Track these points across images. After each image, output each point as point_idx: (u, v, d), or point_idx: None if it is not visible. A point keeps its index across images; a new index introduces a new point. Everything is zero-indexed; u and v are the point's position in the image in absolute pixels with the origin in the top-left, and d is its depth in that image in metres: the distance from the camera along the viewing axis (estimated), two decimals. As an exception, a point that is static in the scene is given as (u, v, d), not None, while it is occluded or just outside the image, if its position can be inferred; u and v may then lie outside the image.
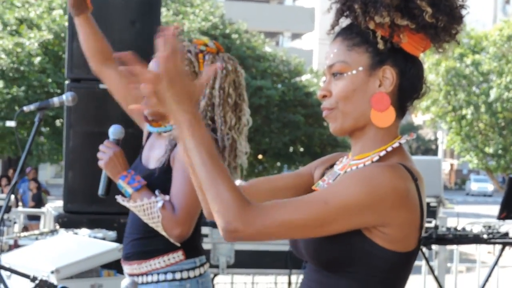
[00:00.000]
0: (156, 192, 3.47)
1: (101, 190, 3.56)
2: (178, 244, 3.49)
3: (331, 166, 2.32)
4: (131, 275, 3.61)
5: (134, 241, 3.64)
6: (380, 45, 2.13)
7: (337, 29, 2.23)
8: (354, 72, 2.15)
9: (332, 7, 2.23)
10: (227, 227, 1.97)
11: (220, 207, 1.98)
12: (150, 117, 3.65)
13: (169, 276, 3.53)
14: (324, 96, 2.19)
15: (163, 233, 3.45)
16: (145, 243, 3.59)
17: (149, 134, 3.80)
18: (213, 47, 3.63)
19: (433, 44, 2.20)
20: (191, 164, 2.09)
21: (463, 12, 2.18)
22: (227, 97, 3.58)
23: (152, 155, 3.66)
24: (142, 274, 3.58)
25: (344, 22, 2.21)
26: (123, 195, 3.53)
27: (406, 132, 2.28)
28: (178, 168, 3.43)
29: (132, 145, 6.07)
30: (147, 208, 3.45)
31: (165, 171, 3.54)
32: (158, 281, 3.54)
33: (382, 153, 2.15)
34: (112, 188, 3.58)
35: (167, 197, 3.44)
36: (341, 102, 2.16)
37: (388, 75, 2.15)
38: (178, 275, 3.53)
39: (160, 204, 3.42)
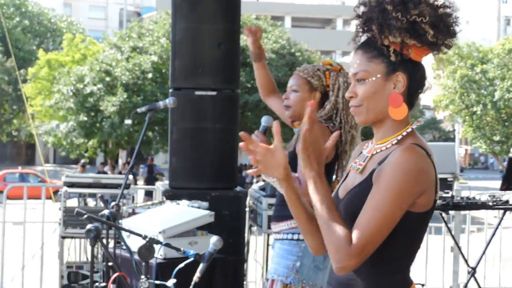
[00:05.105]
0: None
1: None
2: None
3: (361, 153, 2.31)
4: (274, 232, 3.76)
5: (275, 207, 3.79)
6: (393, 58, 2.14)
7: (357, 40, 2.23)
8: (373, 78, 2.16)
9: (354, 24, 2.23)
10: (338, 266, 2.02)
11: (332, 249, 2.03)
12: (291, 119, 3.74)
13: (290, 236, 3.61)
14: (351, 97, 2.21)
15: None
16: (279, 209, 3.70)
17: None
18: (336, 66, 3.73)
19: (432, 53, 2.20)
20: (302, 212, 2.18)
21: (457, 28, 2.18)
22: (348, 103, 3.59)
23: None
24: (276, 232, 3.71)
25: (363, 36, 2.22)
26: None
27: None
28: None
29: (219, 137, 6.11)
30: None
31: (293, 156, 3.56)
32: (283, 239, 3.64)
33: (399, 137, 2.15)
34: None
35: (296, 174, 3.46)
36: (365, 101, 2.17)
37: (400, 79, 2.15)
38: (296, 236, 3.60)
39: None
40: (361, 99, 2.17)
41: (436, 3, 2.15)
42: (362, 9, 2.19)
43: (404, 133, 2.15)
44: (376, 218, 2.01)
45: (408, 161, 2.03)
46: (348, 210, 2.12)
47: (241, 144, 2.11)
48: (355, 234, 2.01)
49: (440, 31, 2.12)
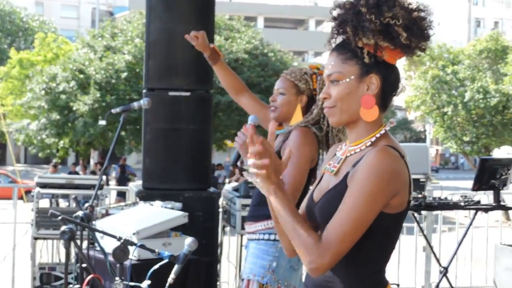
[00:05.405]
0: None
1: (232, 161, 3.61)
2: None
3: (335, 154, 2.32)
4: (247, 232, 3.74)
5: (251, 207, 3.76)
6: (366, 60, 2.15)
7: (333, 42, 2.24)
8: (347, 80, 2.17)
9: (329, 26, 2.24)
10: (312, 266, 2.02)
11: (303, 251, 2.02)
12: (277, 121, 3.75)
13: (266, 236, 3.61)
14: (325, 98, 2.21)
15: None
16: (255, 210, 3.69)
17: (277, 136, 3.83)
18: (323, 70, 3.67)
19: (406, 57, 2.21)
20: (275, 217, 2.15)
21: (431, 32, 2.19)
22: None
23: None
24: (250, 233, 3.69)
25: (338, 38, 2.22)
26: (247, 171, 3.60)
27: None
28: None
29: (193, 138, 6.09)
30: None
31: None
32: (259, 239, 3.63)
33: (373, 139, 2.16)
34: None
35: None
36: (339, 103, 2.18)
37: (374, 81, 2.16)
38: (272, 237, 3.59)
39: None
40: (334, 100, 2.18)
41: (410, 6, 2.16)
42: (337, 11, 2.21)
43: (378, 135, 2.17)
44: (350, 218, 2.02)
45: (382, 163, 2.05)
46: (324, 213, 2.12)
47: (240, 142, 2.10)
48: (329, 234, 2.01)
49: (414, 34, 2.13)
